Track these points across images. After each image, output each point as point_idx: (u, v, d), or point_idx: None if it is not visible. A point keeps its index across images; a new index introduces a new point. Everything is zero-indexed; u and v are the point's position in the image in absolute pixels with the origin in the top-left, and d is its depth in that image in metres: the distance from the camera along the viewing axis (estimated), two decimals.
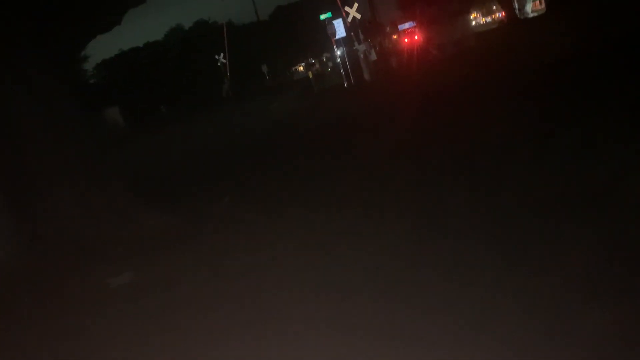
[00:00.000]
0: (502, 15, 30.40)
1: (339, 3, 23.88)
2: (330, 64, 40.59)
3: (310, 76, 27.70)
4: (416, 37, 28.22)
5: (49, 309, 4.72)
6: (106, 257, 5.44)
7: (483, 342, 2.65)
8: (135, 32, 39.47)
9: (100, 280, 4.93)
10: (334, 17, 23.59)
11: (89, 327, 4.12)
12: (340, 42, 23.67)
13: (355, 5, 23.33)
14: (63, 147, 6.02)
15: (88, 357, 3.64)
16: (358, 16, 23.78)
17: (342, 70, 23.02)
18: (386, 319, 3.09)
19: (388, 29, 40.24)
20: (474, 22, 32.19)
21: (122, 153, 16.89)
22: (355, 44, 24.36)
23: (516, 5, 27.74)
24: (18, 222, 5.90)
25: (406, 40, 29.28)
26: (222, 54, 41.53)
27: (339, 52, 24.29)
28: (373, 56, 25.20)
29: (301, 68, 61.44)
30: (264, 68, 43.97)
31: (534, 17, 26.94)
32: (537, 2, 27.19)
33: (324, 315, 3.33)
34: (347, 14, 23.75)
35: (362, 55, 23.52)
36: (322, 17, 24.45)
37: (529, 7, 28.27)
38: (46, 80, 6.12)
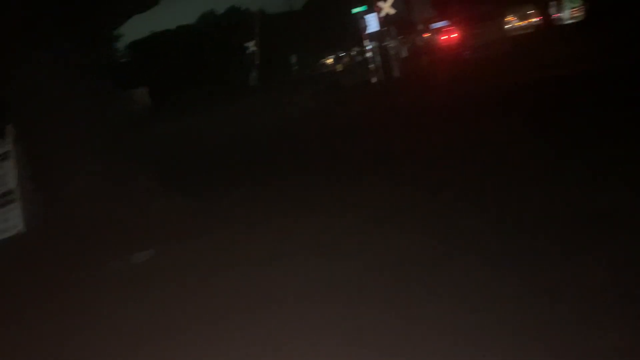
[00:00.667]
0: (538, 19, 29.83)
1: None
2: (359, 59, 40.41)
3: (339, 69, 27.60)
4: (451, 36, 27.87)
5: (68, 283, 4.79)
6: (127, 234, 5.49)
7: None
8: (168, 15, 39.76)
9: (121, 257, 4.98)
10: (368, 11, 23.43)
11: (107, 299, 4.17)
12: (372, 37, 23.52)
13: (390, 0, 23.13)
14: (90, 126, 6.08)
15: (104, 329, 3.68)
16: (392, 12, 23.59)
17: (371, 66, 22.87)
18: None
19: (421, 26, 39.84)
20: (508, 26, 31.68)
21: (148, 134, 17.07)
22: (387, 39, 24.21)
23: (553, 10, 27.20)
24: (45, 199, 6.01)
25: (443, 37, 28.78)
26: (252, 42, 41.68)
27: (369, 47, 24.14)
28: (404, 53, 25.01)
29: (330, 61, 61.34)
30: (293, 59, 43.97)
31: (571, 24, 26.39)
32: (576, 8, 26.59)
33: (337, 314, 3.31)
34: (380, 9, 23.58)
35: (392, 52, 23.35)
36: (355, 10, 24.30)
37: (567, 13, 27.70)
38: (77, 58, 6.18)
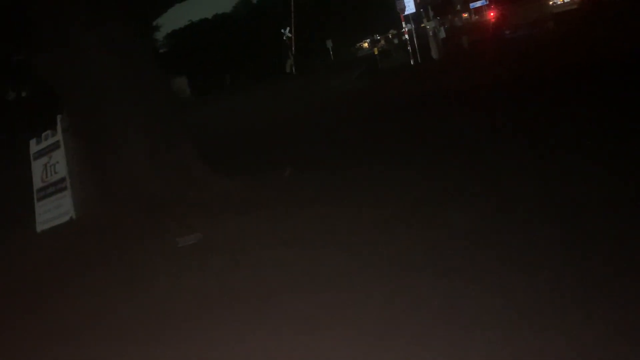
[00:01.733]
0: None
1: None
2: (396, 41, 39.82)
3: (376, 53, 27.28)
4: (491, 15, 27.11)
5: (120, 265, 4.97)
6: (175, 217, 5.63)
7: None
8: (205, 4, 40.13)
9: (170, 240, 5.12)
10: None
11: (156, 283, 4.31)
12: (409, 19, 23.14)
13: None
14: (141, 109, 6.23)
15: (149, 311, 3.82)
16: None
17: (409, 48, 22.52)
18: None
19: (459, 6, 39.00)
20: (552, 2, 30.56)
21: (189, 119, 17.37)
22: (424, 20, 23.78)
23: None
24: (96, 179, 6.21)
25: (492, 14, 27.91)
26: (287, 28, 41.63)
27: (407, 29, 23.76)
28: (442, 34, 24.51)
29: (366, 45, 60.69)
30: (329, 44, 43.71)
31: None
32: None
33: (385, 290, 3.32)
34: None
35: (430, 33, 22.92)
36: None
37: None
38: (129, 45, 6.32)
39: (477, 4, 65.62)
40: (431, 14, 25.09)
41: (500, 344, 2.53)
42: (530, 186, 4.62)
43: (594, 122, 6.23)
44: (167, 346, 3.24)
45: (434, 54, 22.46)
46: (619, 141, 5.25)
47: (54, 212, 7.03)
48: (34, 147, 7.50)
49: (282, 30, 41.78)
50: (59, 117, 6.94)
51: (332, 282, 3.58)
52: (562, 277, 2.99)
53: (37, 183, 7.35)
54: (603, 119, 6.25)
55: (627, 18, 16.14)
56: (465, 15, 78.27)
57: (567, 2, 33.59)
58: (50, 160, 7.24)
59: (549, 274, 3.06)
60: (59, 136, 7.04)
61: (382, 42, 52.18)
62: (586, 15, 22.57)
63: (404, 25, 23.82)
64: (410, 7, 22.38)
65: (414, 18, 23.45)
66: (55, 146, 7.16)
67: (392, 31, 54.92)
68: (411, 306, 3.04)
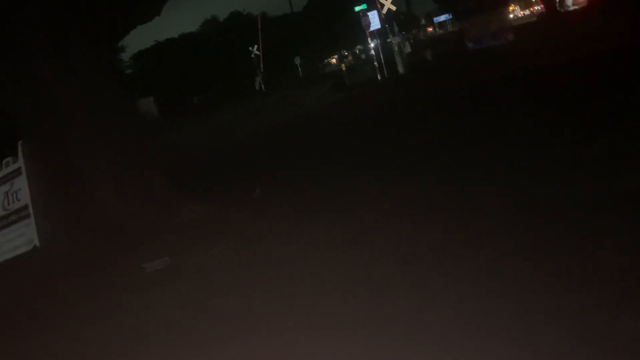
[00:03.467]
0: (541, 7, 29.60)
1: None
2: (363, 57, 40.32)
3: (343, 69, 27.54)
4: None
5: (87, 293, 4.84)
6: (143, 243, 5.53)
7: None
8: (171, 23, 39.95)
9: (137, 266, 5.01)
10: (369, 8, 23.40)
11: (125, 310, 4.20)
12: (375, 34, 23.48)
13: None
14: (105, 135, 6.13)
15: (119, 338, 3.71)
16: (393, 8, 23.56)
17: (375, 63, 22.82)
18: None
19: (423, 20, 39.78)
20: (512, 15, 31.46)
21: (156, 142, 17.16)
22: (390, 36, 24.15)
23: None
24: (60, 206, 6.06)
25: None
26: (255, 46, 41.74)
27: (372, 45, 24.09)
28: (407, 49, 24.93)
29: (334, 60, 61.31)
30: (297, 60, 43.99)
31: (574, 11, 26.18)
32: None
33: (354, 310, 3.30)
34: (382, 5, 23.53)
35: (396, 48, 23.29)
36: (357, 8, 24.29)
37: (569, 1, 27.51)
38: (92, 70, 6.23)
39: (441, 19, 67.32)
40: (396, 29, 25.52)
41: None
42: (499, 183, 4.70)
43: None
44: None
45: (400, 68, 22.80)
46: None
47: (16, 241, 6.82)
48: None
49: (250, 48, 41.85)
50: (19, 143, 6.76)
51: (304, 303, 3.54)
52: None
53: None
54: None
55: (582, 30, 16.75)
56: (430, 29, 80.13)
57: (527, 15, 34.65)
58: (11, 187, 7.04)
59: None
60: (20, 163, 6.86)
61: (350, 57, 52.78)
62: (543, 28, 23.33)
63: (369, 41, 24.15)
64: (375, 23, 22.72)
65: (380, 33, 23.81)
66: (16, 173, 6.97)
67: (359, 46, 55.69)
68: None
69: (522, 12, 35.67)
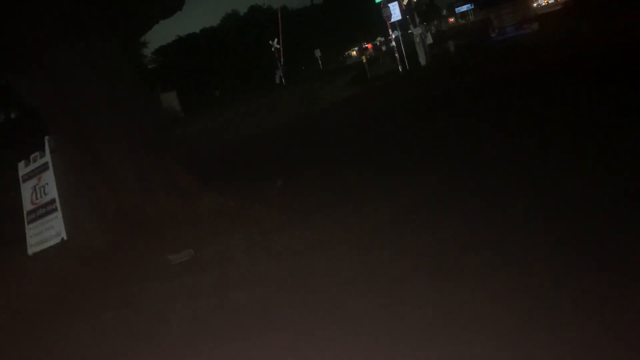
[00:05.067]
0: None
1: None
2: (384, 48, 40.06)
3: (364, 61, 27.39)
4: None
5: (113, 283, 4.94)
6: (167, 234, 5.61)
7: None
8: (193, 18, 40.25)
9: (163, 257, 5.09)
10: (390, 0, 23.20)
11: (150, 300, 4.28)
12: (396, 26, 23.29)
13: None
14: (126, 127, 6.21)
15: (142, 328, 3.78)
16: None
17: (396, 55, 22.64)
18: None
19: (445, 11, 39.32)
20: (535, 4, 30.88)
21: (178, 135, 17.34)
22: (411, 27, 23.93)
23: None
24: (87, 199, 6.18)
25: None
26: (275, 40, 41.81)
27: (393, 36, 23.90)
28: (429, 40, 24.66)
29: (354, 52, 60.98)
30: (317, 53, 43.89)
31: None
32: None
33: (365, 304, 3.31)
34: None
35: (417, 39, 23.06)
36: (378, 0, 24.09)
37: None
38: (112, 63, 6.31)
39: (463, 9, 66.31)
40: (417, 20, 25.26)
41: None
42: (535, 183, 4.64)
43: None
44: None
45: (422, 60, 22.58)
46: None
47: (45, 234, 6.98)
48: (22, 169, 7.45)
49: (271, 42, 41.92)
50: (46, 139, 6.91)
51: (327, 292, 3.57)
52: None
53: (27, 205, 7.29)
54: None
55: (608, 15, 16.33)
56: (452, 20, 79.03)
57: (552, 3, 33.96)
58: (39, 182, 7.20)
59: None
60: (47, 157, 7.01)
61: (371, 49, 52.46)
62: (568, 15, 22.83)
63: (390, 33, 23.96)
64: (396, 14, 22.52)
65: (401, 24, 23.61)
66: (44, 168, 7.12)
67: (379, 38, 55.28)
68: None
69: (546, 0, 34.95)
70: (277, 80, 40.54)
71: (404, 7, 23.33)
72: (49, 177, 7.01)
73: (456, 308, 2.94)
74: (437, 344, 2.69)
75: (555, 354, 2.42)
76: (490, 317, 2.77)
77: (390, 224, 4.57)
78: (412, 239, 4.11)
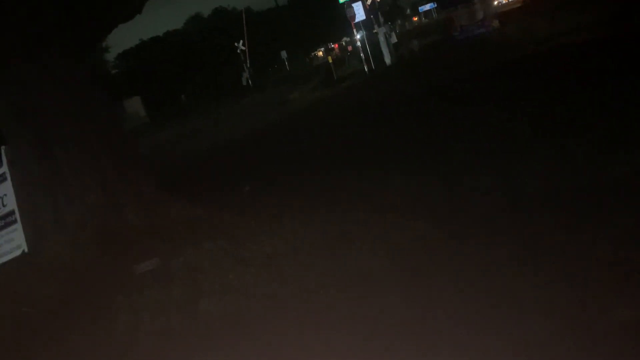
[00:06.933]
0: None
1: None
2: (350, 49, 40.24)
3: (330, 61, 27.43)
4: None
5: (77, 296, 4.78)
6: (133, 246, 5.46)
7: None
8: (155, 21, 39.66)
9: (127, 267, 4.95)
10: (353, 0, 23.28)
11: (115, 314, 4.15)
12: (360, 26, 23.40)
13: None
14: (88, 136, 6.04)
15: (110, 344, 3.67)
16: None
17: (362, 55, 22.75)
18: None
19: (408, 10, 39.74)
20: (497, 2, 31.51)
21: (144, 143, 17.03)
22: (375, 27, 24.07)
23: None
24: (47, 210, 5.99)
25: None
26: (241, 42, 41.53)
27: (358, 36, 24.01)
28: (394, 39, 24.86)
29: (321, 53, 61.07)
30: (284, 54, 43.73)
31: None
32: None
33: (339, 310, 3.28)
34: None
35: (382, 39, 23.21)
36: (342, 0, 24.16)
37: None
38: (71, 71, 6.14)
39: (426, 7, 67.21)
40: (381, 19, 25.44)
41: None
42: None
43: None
44: None
45: (387, 59, 22.75)
46: None
47: (5, 246, 6.75)
48: None
49: (236, 44, 41.61)
50: (3, 149, 6.67)
51: (295, 301, 3.51)
52: None
53: None
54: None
55: (565, 13, 16.74)
56: (416, 18, 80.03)
57: (512, 1, 34.70)
58: None
59: None
60: (4, 168, 6.78)
61: (336, 50, 52.60)
62: (528, 12, 23.37)
63: (355, 33, 24.07)
64: (360, 14, 22.63)
65: (365, 24, 23.73)
66: (1, 179, 6.89)
67: (345, 38, 55.51)
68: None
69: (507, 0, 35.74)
70: (244, 82, 40.23)
71: (367, 7, 23.46)
72: (7, 188, 6.77)
73: (435, 304, 2.93)
74: (410, 345, 2.67)
75: None
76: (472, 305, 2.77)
77: (363, 224, 4.54)
78: (385, 238, 4.09)
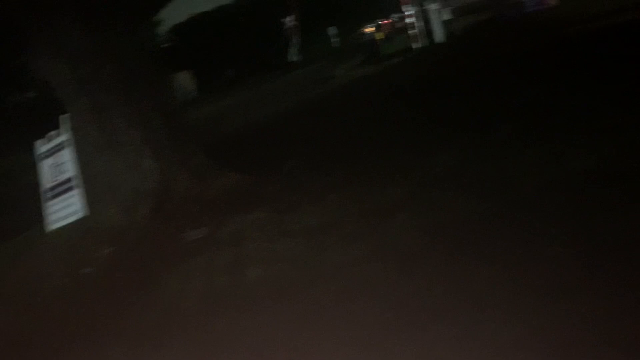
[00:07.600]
0: None
1: None
2: (399, 25, 39.46)
3: (377, 39, 26.91)
4: None
5: (128, 261, 5.01)
6: (182, 210, 5.66)
7: None
8: None
9: (177, 234, 5.15)
10: None
11: (164, 279, 4.34)
12: (411, 2, 22.85)
13: None
14: (141, 106, 6.25)
15: (160, 307, 3.84)
16: None
17: (412, 32, 22.28)
18: None
19: None
20: None
21: (193, 115, 17.32)
22: (427, 2, 23.47)
23: None
24: (103, 177, 6.26)
25: None
26: (290, 17, 41.33)
27: (409, 13, 23.46)
28: (447, 15, 24.17)
29: (371, 29, 60.17)
30: (332, 30, 43.19)
31: None
32: None
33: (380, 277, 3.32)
34: None
35: (434, 15, 22.61)
36: None
37: None
38: (124, 43, 6.33)
39: None
40: None
41: None
42: None
43: None
44: (177, 350, 3.25)
45: (439, 36, 22.18)
46: None
47: (63, 211, 7.11)
48: (39, 148, 7.56)
49: (285, 19, 41.45)
50: (62, 118, 6.98)
51: (340, 272, 3.58)
52: None
53: (45, 184, 7.42)
54: None
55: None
56: None
57: None
58: (56, 160, 7.31)
59: None
60: (63, 136, 7.09)
61: (386, 26, 51.62)
62: None
63: (405, 9, 23.55)
64: None
65: (416, 0, 23.14)
66: (61, 146, 7.22)
67: (394, 15, 54.40)
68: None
69: None
70: (293, 58, 40.11)
71: None
72: (65, 155, 7.11)
73: (473, 287, 2.94)
74: (449, 326, 2.69)
75: None
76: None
77: (407, 201, 4.54)
78: (428, 217, 4.09)
